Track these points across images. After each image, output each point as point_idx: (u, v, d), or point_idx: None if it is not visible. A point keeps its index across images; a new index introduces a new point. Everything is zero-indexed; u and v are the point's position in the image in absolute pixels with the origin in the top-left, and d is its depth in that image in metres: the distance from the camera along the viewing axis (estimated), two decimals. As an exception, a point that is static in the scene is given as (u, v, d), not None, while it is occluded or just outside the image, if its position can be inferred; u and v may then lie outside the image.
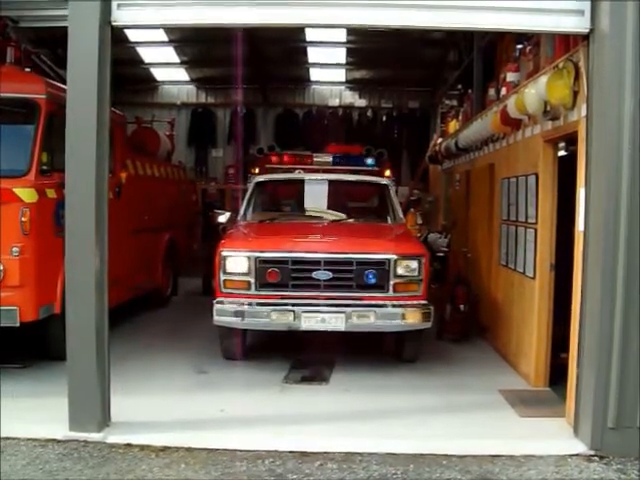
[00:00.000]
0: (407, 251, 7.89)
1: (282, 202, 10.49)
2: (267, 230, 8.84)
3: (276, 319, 7.53)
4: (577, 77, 6.04)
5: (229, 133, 18.84)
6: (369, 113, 18.70)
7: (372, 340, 8.70)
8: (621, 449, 5.48)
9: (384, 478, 5.10)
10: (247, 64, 16.36)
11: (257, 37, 14.73)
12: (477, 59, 11.90)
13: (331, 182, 9.73)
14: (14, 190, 7.01)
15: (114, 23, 5.72)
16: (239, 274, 7.68)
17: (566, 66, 6.19)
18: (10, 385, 6.75)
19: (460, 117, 12.74)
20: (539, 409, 6.63)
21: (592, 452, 5.51)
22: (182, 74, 18.33)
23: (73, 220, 5.66)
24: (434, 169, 15.68)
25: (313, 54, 16.59)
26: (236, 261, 7.69)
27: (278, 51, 16.10)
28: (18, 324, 6.96)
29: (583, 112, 5.85)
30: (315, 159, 12.04)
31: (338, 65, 17.45)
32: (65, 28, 5.58)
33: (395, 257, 7.68)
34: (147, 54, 16.80)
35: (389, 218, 9.49)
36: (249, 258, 7.65)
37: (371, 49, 15.35)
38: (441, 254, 11.34)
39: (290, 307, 7.54)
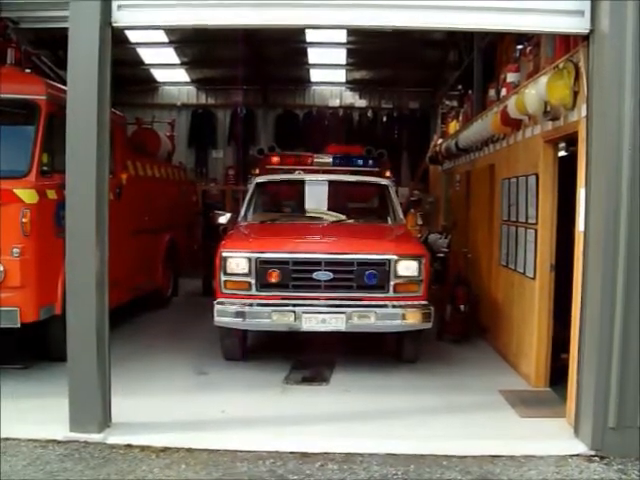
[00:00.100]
0: (407, 251, 7.90)
1: (282, 203, 10.49)
2: (267, 231, 8.84)
3: (277, 320, 7.53)
4: (577, 77, 6.05)
5: (229, 134, 18.85)
6: (369, 114, 18.70)
7: (372, 340, 8.70)
8: (622, 449, 5.48)
9: (385, 479, 5.10)
10: (247, 65, 16.40)
11: (257, 38, 14.73)
12: (477, 60, 11.90)
13: (331, 183, 9.73)
14: (15, 191, 7.02)
15: (114, 24, 5.72)
16: (240, 275, 7.68)
17: (566, 66, 6.19)
18: (11, 386, 6.76)
19: (460, 118, 12.74)
20: (539, 409, 6.63)
21: (593, 452, 5.51)
22: (182, 75, 18.33)
23: (73, 221, 5.66)
24: (434, 170, 15.69)
25: (313, 55, 16.59)
26: (237, 262, 7.69)
27: (278, 52, 16.11)
28: (19, 325, 6.96)
29: (583, 112, 5.85)
30: (315, 160, 12.03)
31: (338, 66, 17.46)
32: (65, 29, 5.58)
33: (395, 257, 7.69)
34: (147, 55, 16.81)
35: (389, 219, 9.49)
36: (250, 259, 7.66)
37: (371, 50, 15.36)
38: (441, 254, 11.34)
39: (291, 308, 7.55)
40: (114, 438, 5.65)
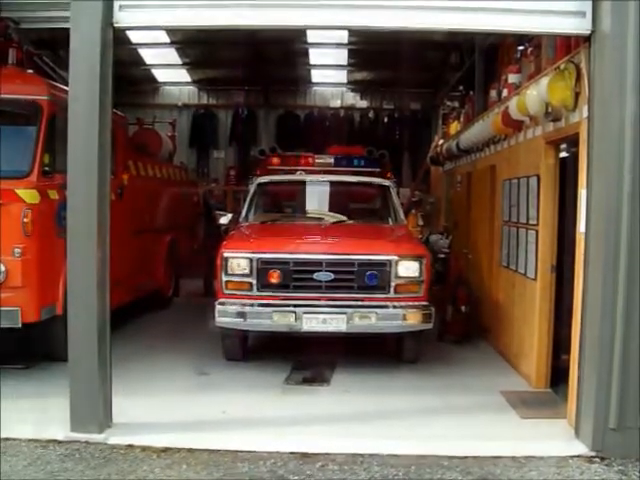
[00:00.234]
0: (408, 252, 7.90)
1: (284, 203, 10.50)
2: (269, 231, 8.85)
3: (277, 320, 7.54)
4: (578, 78, 6.05)
5: (230, 134, 18.86)
6: (370, 114, 18.70)
7: (373, 341, 8.70)
8: (622, 450, 5.47)
9: (385, 479, 5.10)
10: (248, 65, 16.41)
11: (258, 38, 14.72)
12: (479, 61, 11.90)
13: (332, 183, 9.75)
14: (16, 191, 7.02)
15: (116, 24, 5.73)
16: (241, 275, 7.69)
17: (567, 67, 6.19)
18: (11, 386, 6.75)
19: (462, 118, 12.74)
20: (540, 410, 6.63)
21: (593, 453, 5.51)
22: (184, 75, 18.34)
23: (75, 221, 5.67)
24: (435, 170, 15.69)
25: (314, 55, 16.59)
26: (238, 262, 7.69)
27: (279, 52, 16.11)
28: (20, 325, 6.97)
29: (584, 113, 5.85)
30: (316, 160, 12.04)
31: (339, 66, 17.45)
32: (67, 29, 5.59)
33: (396, 258, 7.69)
34: (149, 55, 16.81)
35: (390, 219, 9.49)
36: (251, 259, 7.66)
37: (373, 50, 15.35)
38: (442, 255, 11.34)
39: (292, 308, 7.55)
40: (115, 438, 5.65)
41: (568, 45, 6.56)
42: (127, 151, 9.93)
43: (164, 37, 15.45)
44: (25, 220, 7.00)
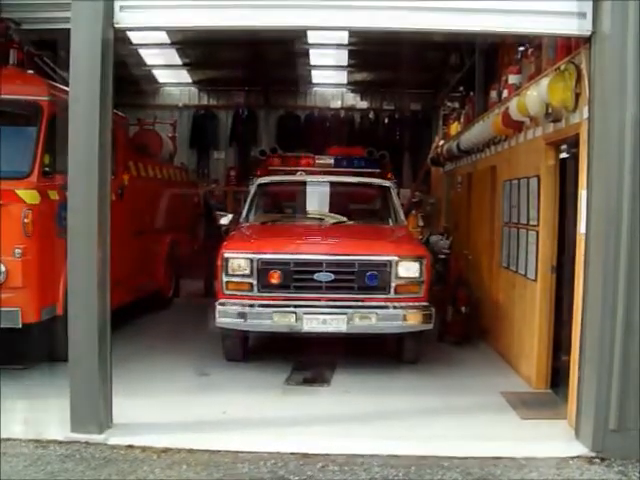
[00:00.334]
0: (408, 253, 7.91)
1: (284, 204, 10.50)
2: (269, 232, 8.85)
3: (278, 321, 7.54)
4: (579, 79, 6.05)
5: (231, 135, 18.85)
6: (371, 115, 18.70)
7: (373, 342, 8.70)
8: (622, 451, 5.47)
9: (386, 480, 5.12)
10: (249, 66, 16.41)
11: (259, 39, 14.70)
12: (479, 61, 11.90)
13: (333, 184, 9.75)
14: (16, 191, 7.03)
15: (116, 25, 5.73)
16: (241, 276, 7.69)
17: (568, 68, 6.20)
18: (11, 386, 6.75)
19: (462, 119, 12.74)
20: (540, 411, 6.63)
21: (593, 454, 5.51)
22: (184, 76, 18.33)
23: (75, 222, 5.67)
24: (436, 171, 15.69)
25: (315, 56, 16.59)
26: (238, 263, 7.70)
27: (280, 53, 16.10)
28: (20, 325, 6.97)
29: (585, 114, 5.85)
30: (317, 161, 12.04)
31: (340, 67, 17.45)
32: (68, 30, 5.59)
33: (396, 259, 7.69)
34: (149, 56, 16.81)
35: (391, 220, 9.49)
36: (251, 260, 7.67)
37: (373, 51, 15.35)
38: (443, 256, 11.34)
39: (292, 309, 7.56)
40: (115, 439, 5.65)
41: (568, 46, 6.56)
42: (128, 152, 9.94)
43: (165, 38, 15.46)
44: (25, 221, 7.00)
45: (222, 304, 7.68)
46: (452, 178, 13.40)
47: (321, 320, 7.54)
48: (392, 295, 7.68)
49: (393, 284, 7.68)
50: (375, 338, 8.41)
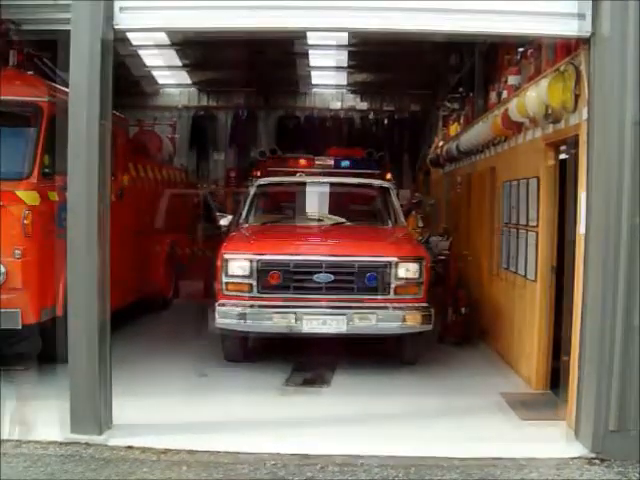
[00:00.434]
0: (408, 254, 7.91)
1: (284, 205, 10.50)
2: (269, 233, 8.86)
3: (278, 322, 7.55)
4: (578, 80, 6.05)
5: (230, 136, 18.86)
6: (370, 116, 18.71)
7: (373, 342, 8.70)
8: (622, 452, 5.47)
9: (385, 481, 5.11)
10: (249, 67, 16.41)
11: (258, 40, 14.71)
12: (478, 62, 11.90)
13: (332, 185, 9.76)
14: (16, 192, 7.03)
15: (116, 26, 5.73)
16: (241, 277, 7.70)
17: (567, 69, 6.20)
18: (11, 387, 6.75)
19: (462, 120, 12.74)
20: (540, 412, 6.63)
21: (593, 455, 5.50)
22: (184, 77, 18.34)
23: (75, 223, 5.67)
24: (435, 172, 15.69)
25: (314, 57, 16.60)
26: (238, 264, 7.71)
27: (279, 54, 16.12)
28: (20, 326, 6.96)
29: (584, 115, 5.85)
30: (316, 162, 12.06)
31: (340, 68, 17.47)
32: (67, 31, 5.59)
33: (396, 260, 7.70)
34: (149, 57, 16.81)
35: (390, 221, 9.49)
36: (251, 261, 7.67)
37: (372, 52, 15.37)
38: (442, 257, 11.34)
39: (292, 309, 7.56)
40: (115, 440, 5.65)
41: (568, 47, 6.56)
42: (127, 153, 9.94)
43: (164, 39, 15.46)
44: (25, 222, 7.00)
45: (222, 305, 7.68)
46: (452, 179, 13.39)
47: (321, 321, 7.55)
48: (392, 296, 7.69)
49: (393, 285, 7.68)
50: (375, 339, 8.41)
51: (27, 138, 7.33)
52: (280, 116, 18.97)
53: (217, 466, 5.28)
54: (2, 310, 6.85)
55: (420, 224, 12.80)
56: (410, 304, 7.70)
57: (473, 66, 12.20)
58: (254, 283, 7.67)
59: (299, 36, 13.98)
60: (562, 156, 7.36)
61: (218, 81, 18.27)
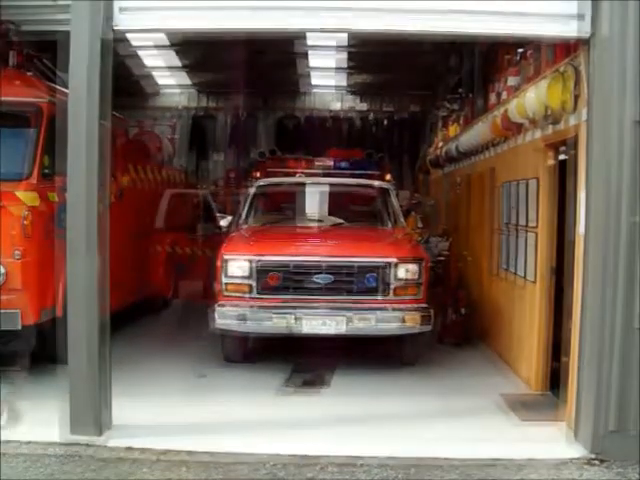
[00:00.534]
0: (407, 254, 7.92)
1: (283, 206, 10.49)
2: (268, 234, 8.86)
3: (278, 322, 7.55)
4: (578, 81, 6.05)
5: (230, 137, 18.86)
6: (370, 117, 18.72)
7: (373, 343, 8.69)
8: (621, 452, 5.46)
9: (385, 481, 5.11)
10: (248, 68, 16.38)
11: (258, 41, 14.71)
12: (478, 63, 11.90)
13: (332, 186, 9.76)
14: (16, 193, 7.02)
15: (116, 27, 5.73)
16: (241, 277, 7.70)
17: (567, 70, 6.20)
18: (11, 388, 6.74)
19: (461, 121, 12.74)
20: (540, 413, 6.63)
21: (592, 455, 5.50)
22: (183, 78, 18.33)
23: (75, 223, 5.67)
24: (435, 173, 15.69)
25: (314, 58, 16.60)
26: (238, 265, 7.71)
27: (279, 55, 16.11)
28: (20, 327, 6.96)
29: (584, 116, 5.85)
30: (316, 163, 12.07)
31: (339, 69, 17.46)
32: (67, 32, 5.59)
33: (395, 261, 7.71)
34: (148, 58, 16.81)
35: (389, 222, 9.50)
36: (251, 262, 7.68)
37: (372, 53, 15.37)
38: (442, 258, 11.35)
39: (292, 310, 7.56)
40: (115, 441, 5.65)
41: (567, 48, 6.56)
42: (127, 153, 9.94)
43: (164, 40, 15.45)
44: (25, 222, 7.00)
45: (222, 306, 7.69)
46: (451, 180, 13.40)
47: (321, 321, 7.56)
48: (391, 297, 7.70)
49: (392, 286, 7.69)
50: (375, 340, 8.41)
51: (27, 139, 7.33)
52: (280, 117, 18.96)
53: (217, 467, 5.28)
54: (2, 311, 6.84)
55: (420, 225, 12.80)
56: (409, 305, 7.71)
57: (472, 67, 12.19)
58: (254, 284, 7.68)
59: (299, 36, 14.00)
60: (561, 157, 7.37)
61: (218, 82, 18.27)
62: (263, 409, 6.72)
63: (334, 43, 15.40)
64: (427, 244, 11.41)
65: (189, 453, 5.49)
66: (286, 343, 8.53)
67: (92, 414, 5.69)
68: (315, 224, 9.12)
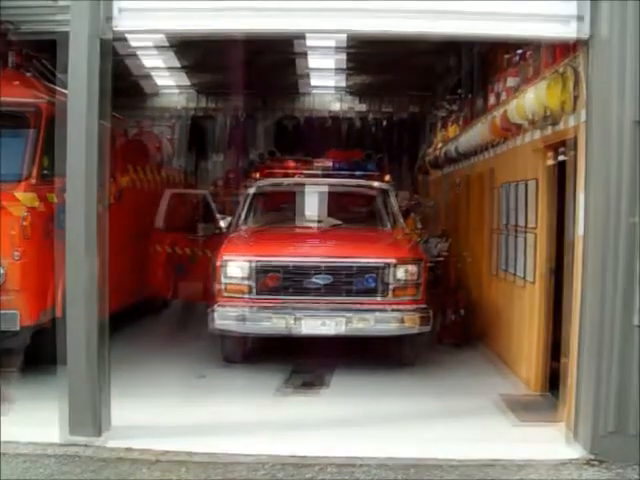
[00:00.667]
0: (406, 255, 7.93)
1: (282, 207, 10.49)
2: (268, 235, 8.86)
3: (277, 323, 7.56)
4: (577, 82, 6.05)
5: (229, 138, 18.85)
6: (369, 118, 18.72)
7: (372, 344, 8.70)
8: (620, 453, 5.46)
9: (384, 482, 5.11)
10: (247, 69, 16.38)
11: (257, 42, 14.72)
12: (477, 64, 11.90)
13: (331, 187, 9.76)
14: (15, 194, 7.02)
15: (115, 28, 5.73)
16: (240, 278, 7.71)
17: (566, 71, 6.20)
18: (11, 388, 6.74)
19: (460, 122, 12.74)
20: (539, 414, 6.64)
21: (591, 456, 5.50)
22: (183, 79, 18.32)
23: (74, 224, 5.67)
24: (434, 173, 15.69)
25: (313, 60, 16.59)
26: (237, 266, 7.72)
27: (278, 56, 16.11)
28: (19, 328, 6.95)
29: (583, 117, 5.85)
30: (315, 164, 12.06)
31: (338, 70, 17.45)
32: (66, 33, 5.59)
33: (394, 261, 7.72)
34: (148, 59, 16.79)
35: (389, 223, 9.50)
36: (250, 263, 7.68)
37: (371, 54, 15.35)
38: (441, 258, 11.35)
39: (291, 311, 7.57)
40: (114, 441, 5.65)
41: (567, 49, 6.55)
42: (126, 154, 9.93)
43: (163, 40, 15.45)
44: (24, 223, 7.00)
45: (221, 306, 7.69)
46: (450, 180, 13.40)
47: (320, 322, 7.57)
48: (390, 297, 7.71)
49: (391, 286, 7.71)
50: (374, 340, 8.42)
51: (26, 140, 7.32)
52: (279, 118, 18.96)
53: (216, 467, 5.28)
54: (1, 312, 6.84)
55: (419, 226, 12.80)
56: (409, 305, 7.72)
57: (472, 68, 12.20)
58: (253, 284, 7.68)
59: (298, 37, 14.01)
60: (561, 158, 7.37)
61: (217, 83, 18.25)
62: (262, 410, 6.73)
63: (333, 44, 15.41)
64: (426, 245, 11.41)
65: (188, 454, 5.49)
66: (285, 344, 8.53)
67: (91, 415, 5.69)
68: (314, 225, 9.11)
